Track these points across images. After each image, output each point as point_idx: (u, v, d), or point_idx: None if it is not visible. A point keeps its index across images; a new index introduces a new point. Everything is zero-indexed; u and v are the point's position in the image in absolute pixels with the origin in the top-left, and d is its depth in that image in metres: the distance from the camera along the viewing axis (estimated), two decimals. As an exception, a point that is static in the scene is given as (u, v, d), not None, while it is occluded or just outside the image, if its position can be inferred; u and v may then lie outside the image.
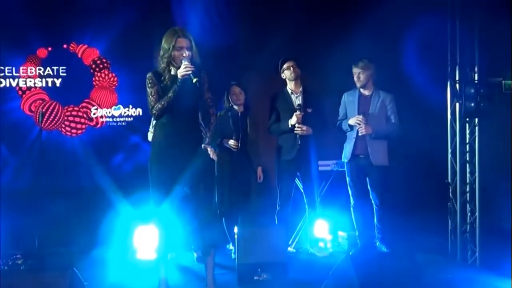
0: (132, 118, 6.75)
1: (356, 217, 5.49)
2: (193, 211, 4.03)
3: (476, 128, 5.55)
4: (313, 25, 6.53)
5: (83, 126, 6.70)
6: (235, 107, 5.49)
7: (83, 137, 6.68)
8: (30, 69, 6.59)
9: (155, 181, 3.98)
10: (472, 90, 5.37)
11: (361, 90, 5.45)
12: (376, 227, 5.45)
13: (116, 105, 6.76)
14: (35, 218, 5.51)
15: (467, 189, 5.61)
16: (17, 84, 6.57)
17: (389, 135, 5.38)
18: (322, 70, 6.26)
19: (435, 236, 5.71)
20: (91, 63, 6.73)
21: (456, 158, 5.64)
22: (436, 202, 5.96)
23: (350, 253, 4.07)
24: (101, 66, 6.75)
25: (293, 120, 5.32)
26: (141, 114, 6.72)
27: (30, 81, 6.59)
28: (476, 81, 5.47)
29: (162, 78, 3.96)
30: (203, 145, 3.99)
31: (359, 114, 5.35)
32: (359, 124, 5.29)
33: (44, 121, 6.44)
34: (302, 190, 5.58)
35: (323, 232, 5.78)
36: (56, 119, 6.62)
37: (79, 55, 6.70)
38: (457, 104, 5.63)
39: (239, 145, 5.39)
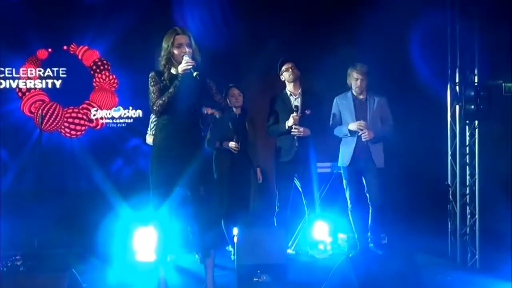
0: (132, 120, 6.77)
1: (355, 220, 5.48)
2: (193, 213, 4.03)
3: (476, 130, 5.55)
4: (312, 26, 6.54)
5: (83, 128, 6.71)
6: (233, 109, 5.48)
7: (83, 139, 6.68)
8: (30, 70, 6.60)
9: (155, 182, 3.98)
10: (472, 93, 5.37)
11: (355, 94, 5.44)
12: (369, 227, 5.42)
13: (116, 107, 6.76)
14: (35, 219, 5.51)
15: (467, 192, 5.60)
16: (17, 85, 6.57)
17: (386, 137, 5.39)
18: (321, 72, 6.25)
19: (435, 238, 5.70)
20: (91, 64, 6.74)
21: (456, 160, 5.64)
22: (436, 204, 5.96)
23: (350, 255, 4.06)
24: (101, 67, 6.75)
25: (290, 122, 5.31)
26: (141, 115, 6.73)
27: (30, 82, 6.60)
28: (476, 84, 5.47)
29: (163, 78, 3.98)
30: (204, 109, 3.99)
31: (357, 119, 5.34)
32: (361, 130, 5.28)
33: (44, 123, 6.44)
34: (301, 192, 5.57)
35: (323, 234, 5.77)
36: (56, 121, 6.62)
37: (79, 57, 6.71)
38: (457, 106, 5.62)
39: (239, 147, 5.38)
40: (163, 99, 3.91)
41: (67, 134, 6.65)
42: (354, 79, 5.37)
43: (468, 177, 5.60)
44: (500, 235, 5.47)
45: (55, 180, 6.32)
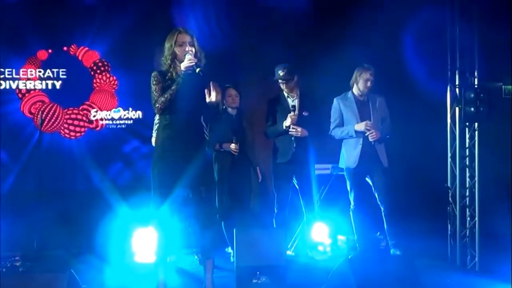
0: (132, 121, 6.76)
1: (356, 221, 5.46)
2: (194, 214, 4.03)
3: (476, 132, 5.55)
4: (311, 28, 6.54)
5: (83, 129, 6.70)
6: (229, 109, 5.47)
7: (82, 140, 6.68)
8: (30, 71, 6.60)
9: (157, 183, 3.97)
10: (472, 95, 5.37)
11: (356, 94, 5.43)
12: (387, 232, 5.38)
13: (116, 108, 6.76)
14: (34, 220, 5.51)
15: (467, 194, 5.59)
16: (17, 86, 6.57)
17: (387, 136, 5.40)
18: (320, 73, 6.25)
19: (434, 240, 5.70)
20: (92, 65, 6.74)
21: (456, 163, 5.63)
22: (436, 206, 5.96)
23: (349, 257, 4.06)
24: (101, 68, 6.75)
25: (287, 122, 5.30)
26: (140, 117, 6.74)
27: (30, 83, 6.60)
28: (476, 86, 5.47)
29: (167, 77, 3.98)
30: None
31: (361, 120, 5.33)
32: (369, 130, 5.28)
33: (44, 125, 6.44)
34: (299, 193, 5.56)
35: (322, 235, 5.77)
36: (56, 122, 6.62)
37: (79, 58, 6.71)
38: (457, 109, 5.62)
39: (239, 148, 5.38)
40: (166, 96, 3.92)
41: (66, 135, 6.65)
42: (365, 80, 5.34)
43: (468, 179, 5.60)
44: (499, 237, 5.48)
45: (54, 180, 6.32)
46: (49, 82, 6.64)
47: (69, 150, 6.62)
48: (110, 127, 6.74)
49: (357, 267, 3.79)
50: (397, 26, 6.06)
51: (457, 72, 5.63)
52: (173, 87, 3.91)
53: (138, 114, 6.76)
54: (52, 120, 6.60)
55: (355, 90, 5.44)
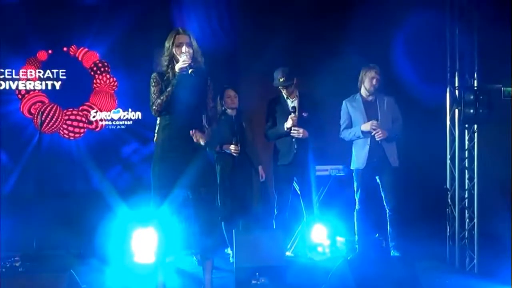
0: (131, 122, 6.76)
1: (359, 222, 5.41)
2: (194, 215, 4.02)
3: (475, 134, 5.56)
4: (311, 28, 6.54)
5: (82, 130, 6.70)
6: (228, 111, 5.46)
7: (82, 140, 6.68)
8: (30, 71, 6.60)
9: (157, 183, 3.97)
10: (472, 97, 5.38)
11: (364, 95, 5.39)
12: (389, 233, 5.35)
13: (115, 109, 6.76)
14: (34, 220, 5.51)
15: (466, 195, 5.61)
16: (17, 86, 6.57)
17: (398, 136, 5.35)
18: (320, 74, 6.26)
19: (434, 242, 5.70)
20: (91, 66, 6.74)
21: (455, 164, 5.65)
22: (435, 208, 5.96)
23: (348, 258, 4.06)
24: (101, 69, 6.75)
25: (288, 123, 5.29)
26: (140, 117, 6.73)
27: (30, 83, 6.60)
28: (475, 88, 5.49)
29: (165, 78, 3.99)
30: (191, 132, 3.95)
31: (369, 119, 5.30)
32: (375, 130, 5.26)
33: (44, 126, 6.45)
34: (300, 195, 5.56)
35: (322, 237, 5.77)
36: (55, 122, 6.62)
37: (79, 58, 6.71)
38: (456, 110, 5.63)
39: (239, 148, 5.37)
40: (162, 98, 3.91)
41: (66, 136, 6.65)
42: (370, 78, 5.28)
43: (467, 181, 5.61)
44: (498, 239, 5.48)
45: (54, 181, 6.32)
46: (49, 83, 6.64)
47: (68, 151, 6.62)
48: (110, 127, 6.74)
49: (356, 268, 3.80)
50: (397, 28, 6.06)
51: (456, 74, 5.66)
52: (168, 89, 3.91)
53: (138, 115, 6.76)
54: (52, 120, 6.60)
55: (362, 91, 5.39)
